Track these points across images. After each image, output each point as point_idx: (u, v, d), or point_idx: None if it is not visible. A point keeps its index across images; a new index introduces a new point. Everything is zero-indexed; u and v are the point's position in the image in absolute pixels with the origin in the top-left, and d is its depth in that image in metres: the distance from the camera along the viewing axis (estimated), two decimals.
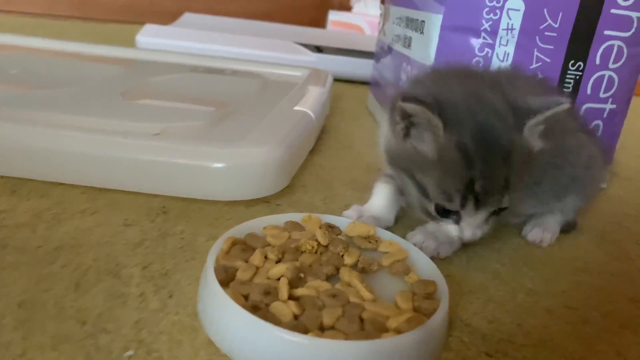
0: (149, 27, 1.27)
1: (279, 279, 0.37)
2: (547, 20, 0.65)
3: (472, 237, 0.45)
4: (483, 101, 0.44)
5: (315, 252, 0.42)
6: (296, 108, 0.72)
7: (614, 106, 0.70)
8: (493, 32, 0.66)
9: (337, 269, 0.41)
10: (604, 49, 0.67)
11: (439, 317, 0.35)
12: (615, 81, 0.68)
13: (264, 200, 0.57)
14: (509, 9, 0.65)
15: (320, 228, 0.45)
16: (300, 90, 0.82)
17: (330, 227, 0.46)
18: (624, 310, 0.45)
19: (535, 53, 0.66)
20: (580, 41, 0.66)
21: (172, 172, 0.52)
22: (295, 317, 0.34)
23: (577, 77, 0.67)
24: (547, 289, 0.47)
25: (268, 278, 0.38)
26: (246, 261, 0.40)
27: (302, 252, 0.42)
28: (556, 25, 0.65)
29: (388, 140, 0.49)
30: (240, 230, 0.43)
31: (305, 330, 0.33)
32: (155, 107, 0.72)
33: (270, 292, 0.36)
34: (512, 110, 0.44)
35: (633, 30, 0.66)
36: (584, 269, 0.51)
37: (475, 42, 0.67)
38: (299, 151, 0.62)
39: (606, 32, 0.66)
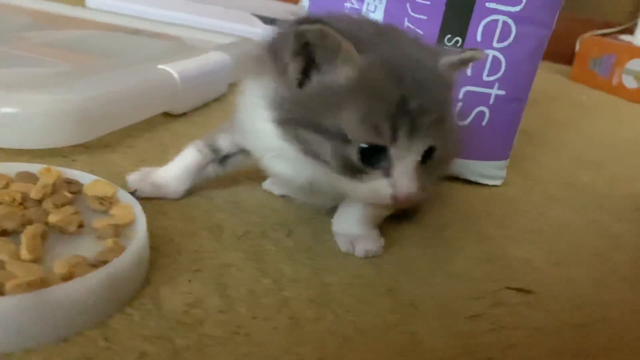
0: None
1: None
2: None
3: (408, 191, 0.36)
4: (392, 36, 0.39)
5: (20, 205, 0.38)
6: (160, 67, 0.67)
7: (502, 92, 0.62)
8: None
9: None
10: (487, 24, 0.58)
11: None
12: (502, 63, 0.60)
13: (62, 155, 0.52)
14: None
15: (53, 183, 0.40)
16: (191, 52, 0.77)
17: (69, 183, 0.42)
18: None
19: (406, 23, 0.59)
20: (458, 13, 0.58)
21: None
22: None
23: None
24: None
25: None
26: None
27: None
28: (427, 2, 0.57)
29: (274, 97, 0.38)
30: None
31: None
32: (16, 55, 0.69)
33: None
34: (423, 48, 0.39)
35: (522, 5, 0.58)
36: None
37: (342, 7, 0.60)
38: (118, 107, 0.57)
39: (488, 5, 0.58)
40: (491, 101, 0.62)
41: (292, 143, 0.38)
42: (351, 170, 0.36)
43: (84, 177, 0.43)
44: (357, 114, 0.35)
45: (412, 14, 0.58)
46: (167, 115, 0.69)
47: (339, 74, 0.35)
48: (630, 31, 1.87)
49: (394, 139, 0.35)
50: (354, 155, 0.36)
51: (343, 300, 0.39)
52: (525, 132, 0.93)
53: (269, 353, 0.32)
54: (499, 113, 0.63)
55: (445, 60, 0.38)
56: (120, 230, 0.38)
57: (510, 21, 0.58)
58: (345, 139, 0.35)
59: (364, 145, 0.35)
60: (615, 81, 1.59)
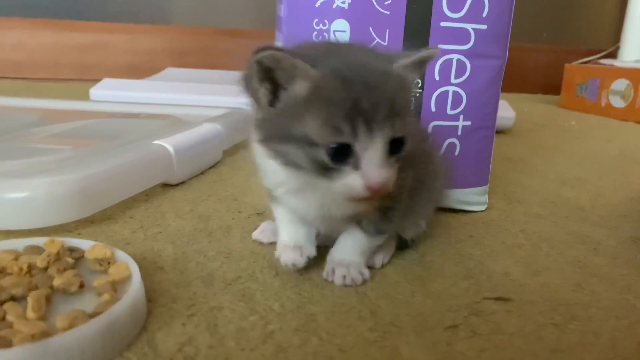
0: (105, 81, 1.34)
1: None
2: (375, 39, 0.63)
3: (379, 179, 0.40)
4: (347, 49, 0.44)
5: (27, 273, 0.42)
6: (155, 142, 0.73)
7: (468, 123, 0.66)
8: None
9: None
10: (442, 64, 0.64)
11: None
12: (463, 96, 0.65)
13: (68, 230, 0.57)
14: (334, 30, 0.64)
15: (57, 252, 0.45)
16: (184, 127, 0.83)
17: (71, 250, 0.46)
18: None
19: None
20: None
21: None
22: None
23: (417, 94, 0.65)
24: None
25: None
26: None
27: (9, 274, 0.42)
28: (385, 43, 0.63)
29: (255, 122, 0.44)
30: None
31: None
32: (24, 148, 0.76)
33: None
34: (378, 55, 0.44)
35: (471, 42, 0.63)
36: None
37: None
38: (116, 182, 0.63)
39: (441, 46, 0.63)
40: (459, 132, 0.66)
41: (274, 158, 0.43)
42: (324, 171, 0.40)
43: (84, 244, 0.47)
44: (318, 119, 0.39)
45: None
46: (165, 185, 0.75)
47: (298, 88, 0.40)
48: (613, 55, 1.94)
49: (354, 135, 0.39)
50: (323, 156, 0.40)
51: (326, 326, 0.42)
52: (510, 160, 0.97)
53: None
54: (469, 142, 0.67)
55: (400, 62, 0.43)
56: (117, 286, 0.42)
57: (463, 58, 0.64)
58: (312, 143, 0.40)
59: (332, 146, 0.39)
60: (603, 102, 1.64)
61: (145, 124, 0.94)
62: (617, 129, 1.37)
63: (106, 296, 0.40)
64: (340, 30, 0.63)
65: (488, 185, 0.71)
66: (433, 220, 0.65)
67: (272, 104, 0.42)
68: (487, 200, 0.71)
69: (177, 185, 0.76)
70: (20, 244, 0.47)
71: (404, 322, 0.43)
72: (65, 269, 0.43)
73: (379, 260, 0.53)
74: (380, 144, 0.40)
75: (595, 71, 1.68)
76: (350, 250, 0.51)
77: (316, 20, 0.62)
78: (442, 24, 0.63)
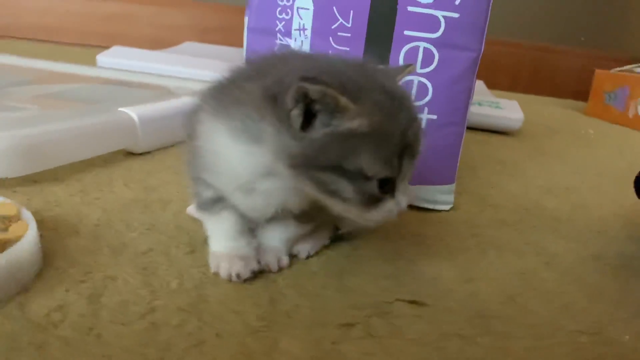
0: (114, 49, 1.35)
1: None
2: (338, 20, 0.60)
3: (405, 205, 0.43)
4: (365, 73, 0.42)
5: None
6: (121, 109, 0.72)
7: (433, 116, 0.62)
8: (287, 33, 0.62)
9: None
10: (408, 51, 0.60)
11: None
12: (429, 88, 0.61)
13: (4, 186, 0.57)
14: (298, 7, 0.61)
15: None
16: (159, 97, 0.82)
17: None
18: None
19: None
20: (379, 42, 0.60)
21: None
22: None
23: None
24: None
25: None
26: None
27: None
28: (349, 25, 0.60)
29: (277, 144, 0.40)
30: None
31: None
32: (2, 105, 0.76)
33: None
34: (384, 73, 0.44)
35: (441, 31, 0.60)
36: None
37: (273, 44, 0.63)
38: (66, 143, 0.62)
39: (407, 33, 0.60)
40: (423, 126, 0.62)
41: (305, 184, 0.40)
42: (370, 201, 0.41)
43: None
44: (374, 155, 0.39)
45: (335, 46, 0.61)
46: (129, 153, 0.74)
47: (350, 122, 0.38)
48: None
49: (400, 168, 0.41)
50: (374, 188, 0.40)
51: (214, 309, 0.40)
52: (501, 163, 0.92)
53: (109, 352, 0.34)
54: (433, 138, 0.63)
55: (399, 78, 0.46)
56: (9, 245, 0.40)
57: (431, 47, 0.60)
58: (365, 177, 0.39)
59: (381, 178, 0.40)
60: (631, 113, 1.55)
61: (131, 93, 0.94)
62: (637, 141, 1.29)
63: None
64: (304, 7, 0.61)
65: (454, 184, 0.67)
66: None
67: (303, 127, 0.39)
68: (453, 200, 0.68)
69: (140, 154, 0.75)
70: None
71: (299, 314, 0.41)
72: None
73: (304, 250, 0.50)
74: (411, 171, 0.42)
75: (625, 79, 1.59)
76: (276, 236, 0.49)
77: None
78: (410, 8, 0.59)
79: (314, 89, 0.37)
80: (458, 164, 0.67)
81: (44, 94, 0.88)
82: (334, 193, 0.40)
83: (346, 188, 0.40)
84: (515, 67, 2.06)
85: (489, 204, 0.71)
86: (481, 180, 0.81)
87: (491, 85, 1.72)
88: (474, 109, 1.18)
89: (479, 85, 1.60)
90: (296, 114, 0.38)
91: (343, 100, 0.37)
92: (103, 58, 1.30)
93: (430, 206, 0.66)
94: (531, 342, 0.41)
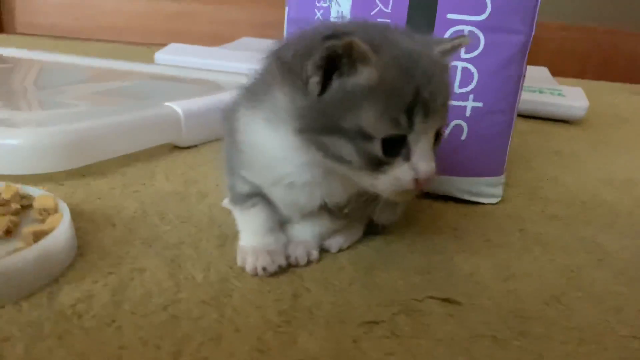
0: (171, 46, 1.38)
1: None
2: (377, 6, 0.58)
3: (428, 171, 0.38)
4: (392, 33, 0.40)
5: None
6: (167, 104, 0.74)
7: (479, 104, 0.59)
8: None
9: None
10: (451, 35, 0.57)
11: None
12: (475, 74, 0.58)
13: (54, 180, 0.59)
14: None
15: (10, 197, 0.47)
16: (206, 91, 0.83)
17: (23, 197, 0.48)
18: None
19: None
20: (420, 27, 0.56)
21: None
22: None
23: None
24: None
25: None
26: None
27: None
28: (388, 10, 0.58)
29: (294, 110, 0.39)
30: None
31: None
32: (57, 101, 0.80)
33: None
34: (417, 40, 0.41)
35: (487, 13, 0.56)
36: None
37: (313, 12, 0.62)
38: (109, 138, 0.64)
39: (450, 16, 0.57)
40: (467, 114, 0.59)
41: (312, 150, 0.40)
42: (374, 164, 0.38)
43: (36, 192, 0.48)
44: (377, 111, 0.36)
45: None
46: (175, 147, 0.75)
47: (359, 77, 0.37)
48: None
49: (410, 126, 0.37)
50: (376, 149, 0.37)
51: (237, 303, 0.40)
52: (559, 154, 0.87)
53: (126, 343, 0.34)
54: (479, 126, 0.60)
55: (440, 48, 0.41)
56: (43, 236, 0.42)
57: (477, 30, 0.57)
58: (366, 136, 0.37)
59: (386, 138, 0.37)
60: None
61: (181, 88, 0.96)
62: None
63: (21, 244, 0.40)
64: None
65: (503, 176, 0.63)
66: (425, 206, 0.60)
67: (320, 93, 0.38)
68: (501, 193, 0.64)
69: (186, 148, 0.76)
70: None
71: (322, 310, 0.40)
72: (4, 214, 0.44)
73: (336, 244, 0.49)
74: (432, 134, 0.38)
75: None
76: (308, 230, 0.48)
77: None
78: None
79: (342, 44, 0.35)
80: (507, 156, 0.63)
81: (97, 91, 0.91)
82: (337, 157, 0.38)
83: (347, 149, 0.37)
84: (584, 53, 1.94)
85: (539, 197, 0.67)
86: (534, 171, 0.77)
87: (557, 72, 1.62)
88: (533, 97, 1.12)
89: (542, 71, 1.52)
90: (315, 81, 0.37)
91: (368, 51, 0.36)
92: (160, 55, 1.34)
93: (474, 199, 0.63)
94: (573, 347, 0.38)
